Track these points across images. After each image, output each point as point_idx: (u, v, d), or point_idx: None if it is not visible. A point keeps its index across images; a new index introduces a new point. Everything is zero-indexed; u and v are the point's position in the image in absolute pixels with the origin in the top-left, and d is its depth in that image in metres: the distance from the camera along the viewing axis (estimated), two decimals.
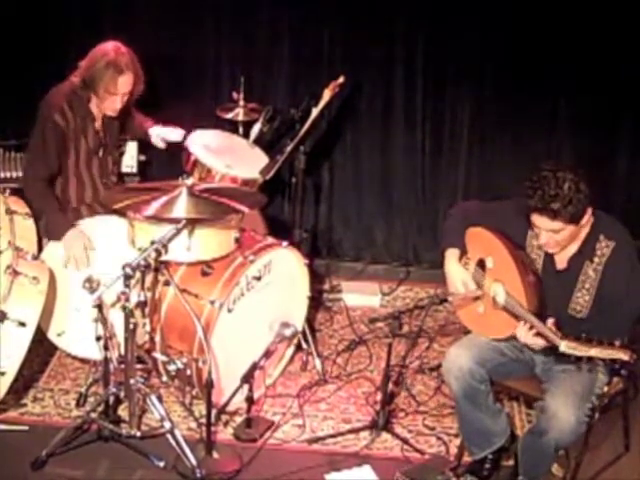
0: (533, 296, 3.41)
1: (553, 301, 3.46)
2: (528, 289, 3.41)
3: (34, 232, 4.02)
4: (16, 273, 3.76)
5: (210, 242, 3.81)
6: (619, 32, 4.79)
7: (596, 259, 3.40)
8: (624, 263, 3.39)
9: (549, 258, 3.51)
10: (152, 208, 3.63)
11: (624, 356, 3.14)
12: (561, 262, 3.50)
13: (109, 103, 4.16)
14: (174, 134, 4.46)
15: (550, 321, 3.30)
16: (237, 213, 3.81)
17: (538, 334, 3.31)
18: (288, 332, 4.11)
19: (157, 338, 3.98)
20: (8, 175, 4.74)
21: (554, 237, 3.35)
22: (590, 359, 3.17)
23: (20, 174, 4.64)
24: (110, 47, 4.09)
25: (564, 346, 3.18)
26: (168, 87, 4.96)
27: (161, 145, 4.50)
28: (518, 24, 4.89)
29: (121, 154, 4.62)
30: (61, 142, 4.17)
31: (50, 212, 4.12)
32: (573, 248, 3.45)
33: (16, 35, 4.93)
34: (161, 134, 4.48)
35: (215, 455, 3.76)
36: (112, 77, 4.06)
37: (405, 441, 3.99)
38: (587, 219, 3.35)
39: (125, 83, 4.10)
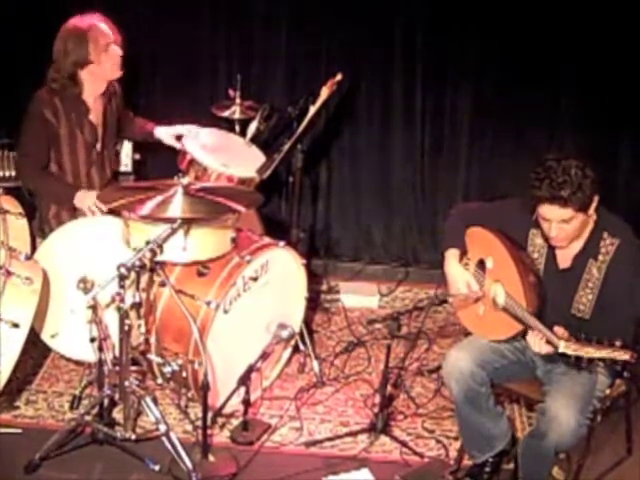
0: (533, 297, 3.39)
1: (556, 300, 3.43)
2: (528, 290, 3.39)
3: (27, 232, 3.99)
4: (9, 273, 3.73)
5: (206, 242, 3.79)
6: (621, 29, 4.77)
7: (600, 257, 3.38)
8: (628, 262, 3.36)
9: (551, 257, 3.48)
10: (147, 207, 3.59)
11: (625, 356, 3.11)
12: (564, 261, 3.47)
13: (111, 60, 4.16)
14: (183, 129, 4.46)
15: (559, 329, 3.25)
16: (233, 213, 3.78)
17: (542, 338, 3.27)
18: (285, 333, 4.09)
19: (152, 340, 3.95)
20: (1, 174, 4.71)
21: (564, 228, 3.31)
22: (590, 360, 3.13)
23: (12, 173, 4.63)
24: (64, 26, 4.16)
25: (563, 346, 3.15)
26: (164, 85, 4.94)
27: (176, 144, 4.46)
28: (518, 22, 4.87)
29: (116, 153, 4.58)
30: (52, 137, 4.17)
31: (52, 185, 4.20)
32: (577, 246, 3.42)
33: (10, 34, 4.91)
34: (173, 132, 4.46)
35: (211, 458, 3.74)
36: (93, 35, 4.09)
37: (404, 444, 3.96)
38: (593, 210, 3.32)
39: (108, 29, 4.15)
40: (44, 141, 4.16)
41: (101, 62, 4.16)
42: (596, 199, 3.31)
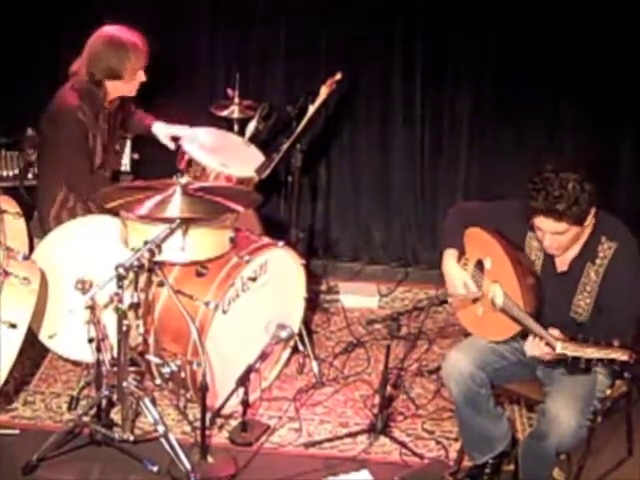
0: (531, 298, 3.37)
1: (554, 303, 3.41)
2: (525, 290, 3.37)
3: (25, 232, 3.99)
4: (6, 273, 3.71)
5: (205, 242, 3.77)
6: (621, 29, 4.76)
7: (598, 261, 3.36)
8: (626, 266, 3.34)
9: (549, 260, 3.46)
10: (146, 207, 3.57)
11: (623, 356, 3.09)
12: (562, 264, 3.45)
13: (135, 83, 4.21)
14: (182, 131, 4.45)
15: (554, 331, 3.23)
16: (232, 212, 3.76)
17: (540, 339, 3.25)
18: (284, 334, 4.06)
19: (151, 340, 3.93)
20: None
21: (558, 239, 3.30)
22: (589, 360, 3.11)
23: (10, 173, 4.62)
24: (109, 32, 4.14)
25: (560, 347, 3.13)
26: (162, 84, 4.91)
27: (170, 145, 4.46)
28: (519, 22, 4.86)
29: (117, 153, 4.57)
30: (87, 138, 4.18)
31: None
32: (575, 250, 3.40)
33: (10, 34, 4.90)
34: (169, 132, 4.47)
35: (210, 459, 3.72)
36: (135, 55, 4.11)
37: (404, 445, 3.95)
38: (590, 220, 3.29)
39: (146, 54, 4.17)
40: (85, 144, 4.17)
41: (127, 82, 4.19)
42: (592, 211, 3.28)
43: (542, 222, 3.27)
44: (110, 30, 4.16)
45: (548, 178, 3.22)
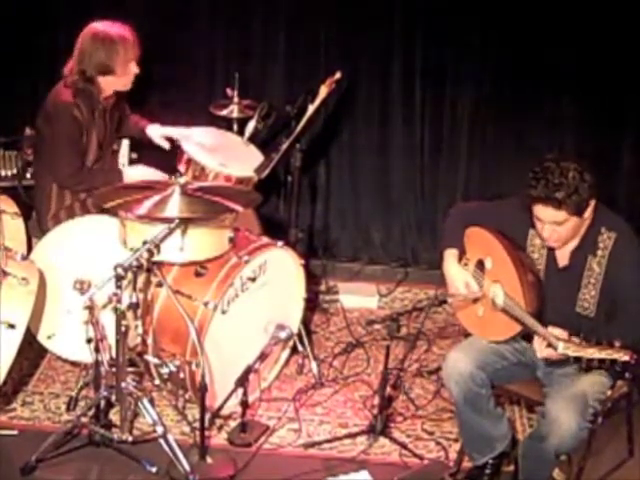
0: (532, 297, 3.36)
1: (560, 300, 3.41)
2: (527, 290, 3.36)
3: (23, 232, 3.99)
4: (5, 274, 3.70)
5: (204, 242, 3.76)
6: (621, 29, 4.75)
7: (599, 252, 3.35)
8: (629, 253, 3.33)
9: (551, 256, 3.46)
10: (144, 207, 3.57)
11: (624, 356, 3.08)
12: (563, 259, 3.45)
13: (128, 76, 4.21)
14: (176, 132, 4.44)
15: (555, 330, 3.22)
16: (231, 212, 3.75)
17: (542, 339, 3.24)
18: (283, 334, 4.05)
19: (149, 340, 3.92)
20: None
21: (557, 230, 3.29)
22: (590, 360, 3.10)
23: (8, 172, 4.61)
24: (95, 28, 4.14)
25: (562, 347, 3.12)
26: (161, 83, 4.93)
27: (165, 145, 4.46)
28: (519, 22, 4.85)
29: (114, 152, 4.57)
30: (81, 135, 4.18)
31: (102, 179, 4.17)
32: (574, 243, 3.40)
33: (10, 34, 4.92)
34: (164, 133, 4.46)
35: (209, 460, 3.71)
36: (124, 47, 4.11)
37: (403, 446, 3.94)
38: (590, 212, 3.29)
39: (135, 45, 4.16)
40: (79, 140, 4.16)
41: (120, 75, 4.19)
42: (592, 203, 3.28)
43: (541, 211, 3.27)
44: (96, 26, 4.16)
45: (549, 167, 3.23)
